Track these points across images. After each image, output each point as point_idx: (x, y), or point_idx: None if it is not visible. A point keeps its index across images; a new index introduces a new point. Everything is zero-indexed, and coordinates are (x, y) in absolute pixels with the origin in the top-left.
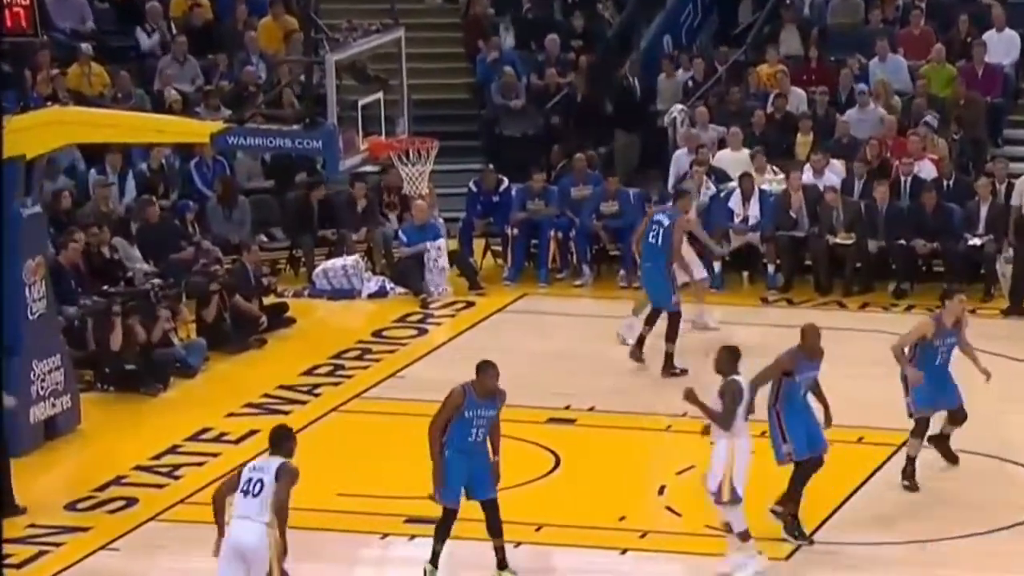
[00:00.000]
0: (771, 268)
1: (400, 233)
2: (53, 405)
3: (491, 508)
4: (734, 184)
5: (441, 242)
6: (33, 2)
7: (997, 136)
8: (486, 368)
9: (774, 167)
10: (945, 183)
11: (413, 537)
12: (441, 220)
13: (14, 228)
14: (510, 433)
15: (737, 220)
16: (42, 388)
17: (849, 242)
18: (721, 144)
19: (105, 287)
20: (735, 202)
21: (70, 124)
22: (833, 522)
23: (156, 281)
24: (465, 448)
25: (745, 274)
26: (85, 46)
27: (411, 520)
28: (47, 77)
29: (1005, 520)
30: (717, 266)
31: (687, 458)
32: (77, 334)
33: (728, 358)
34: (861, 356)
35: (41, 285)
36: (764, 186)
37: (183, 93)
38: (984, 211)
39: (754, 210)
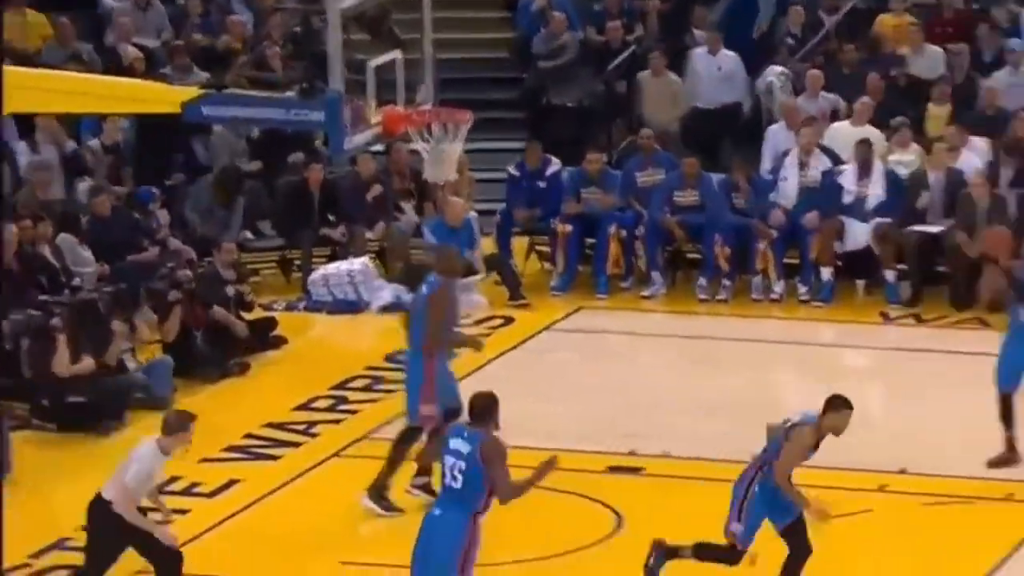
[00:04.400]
0: (891, 275)
1: (425, 230)
2: None
3: None
4: (846, 166)
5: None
6: None
7: None
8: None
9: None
10: None
11: None
12: (475, 214)
13: None
14: (557, 486)
15: (849, 200)
16: None
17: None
18: (833, 117)
19: (44, 296)
20: (848, 178)
21: None
22: None
23: (108, 289)
24: None
25: (861, 283)
26: None
27: None
28: None
29: None
30: (827, 272)
31: None
32: (7, 356)
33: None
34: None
35: None
36: (892, 166)
37: (145, 49)
38: None
39: (876, 188)
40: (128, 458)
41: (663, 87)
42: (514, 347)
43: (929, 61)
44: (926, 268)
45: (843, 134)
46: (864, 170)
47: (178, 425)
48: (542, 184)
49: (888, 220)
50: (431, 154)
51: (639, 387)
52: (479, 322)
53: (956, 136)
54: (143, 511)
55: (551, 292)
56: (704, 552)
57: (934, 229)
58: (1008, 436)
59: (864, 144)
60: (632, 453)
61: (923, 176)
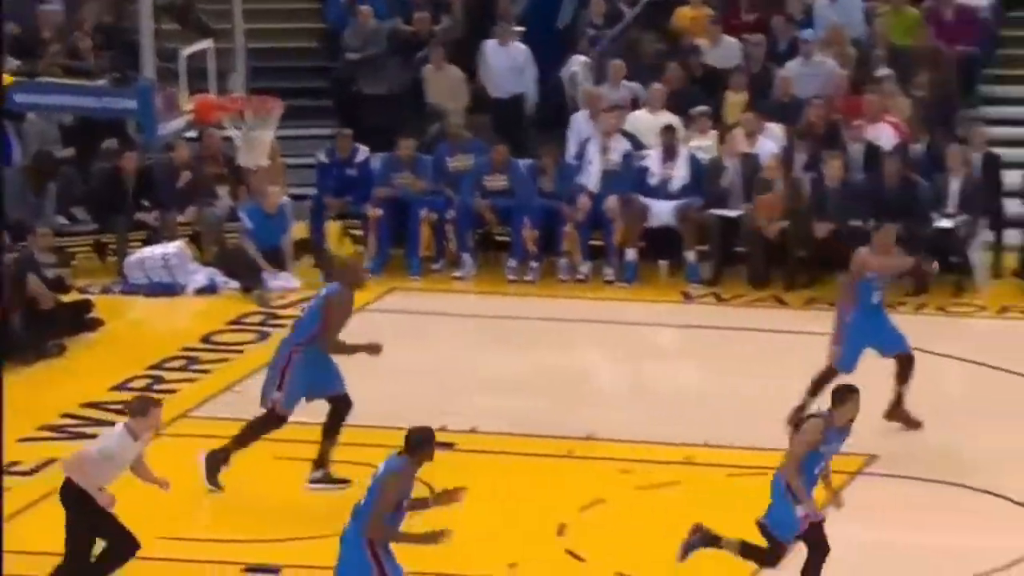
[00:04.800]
0: (692, 256)
1: (242, 215)
2: None
3: None
4: (650, 151)
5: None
6: None
7: (971, 94)
8: None
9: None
10: (908, 152)
11: None
12: (288, 199)
13: None
14: (370, 460)
15: (654, 182)
16: None
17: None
18: (634, 105)
19: None
20: (653, 161)
21: None
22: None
23: None
24: None
25: (663, 264)
26: None
27: (251, 569)
28: None
29: None
30: (631, 254)
31: (592, 491)
32: None
33: None
34: (807, 364)
35: None
36: (692, 152)
37: None
38: (956, 186)
39: (680, 171)
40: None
41: (444, 79)
42: None
43: (726, 51)
44: (726, 249)
45: (643, 121)
46: (669, 154)
47: (139, 408)
48: (352, 171)
49: (691, 202)
50: (244, 140)
51: (450, 365)
52: (294, 303)
53: (753, 122)
54: None
55: None
56: (748, 551)
57: (733, 212)
58: (805, 402)
59: (669, 129)
60: (443, 429)
61: (721, 161)
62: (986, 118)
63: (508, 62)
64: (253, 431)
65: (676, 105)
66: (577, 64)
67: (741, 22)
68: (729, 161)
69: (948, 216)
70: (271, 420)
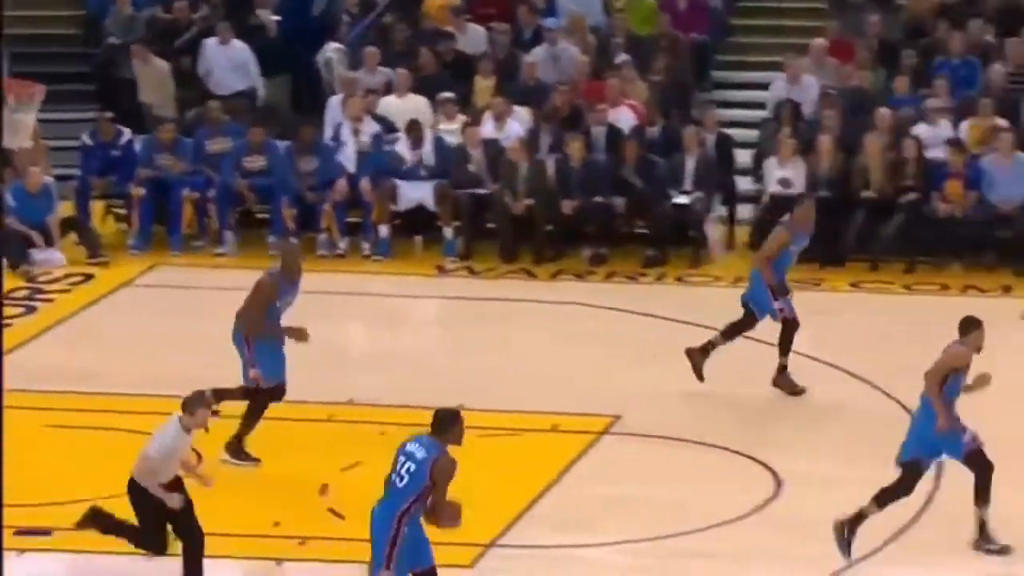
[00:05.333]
0: (448, 232)
1: (8, 195)
2: None
3: None
4: (399, 135)
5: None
6: None
7: (704, 79)
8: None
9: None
10: (647, 133)
11: (23, 552)
12: (52, 179)
13: None
14: (128, 426)
15: (405, 168)
16: None
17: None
18: (389, 89)
19: None
20: (402, 147)
21: None
22: (526, 521)
23: None
24: None
25: (418, 239)
26: None
27: (21, 532)
28: None
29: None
30: (384, 230)
31: (352, 453)
32: None
33: None
34: (554, 331)
35: None
36: (441, 135)
37: None
38: (691, 165)
39: (428, 157)
40: (152, 436)
41: (150, 73)
42: (94, 302)
43: (473, 38)
44: (477, 226)
45: (393, 105)
46: (416, 142)
47: (193, 404)
48: (116, 152)
49: (445, 182)
50: (6, 123)
51: (215, 338)
52: (58, 278)
53: (501, 106)
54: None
55: (129, 251)
56: (883, 498)
57: (483, 191)
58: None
59: (415, 123)
60: None
61: (465, 148)
62: (719, 101)
63: (228, 62)
64: (254, 412)
65: (429, 90)
66: (332, 50)
67: (486, 11)
68: (473, 149)
69: (685, 193)
70: (265, 395)
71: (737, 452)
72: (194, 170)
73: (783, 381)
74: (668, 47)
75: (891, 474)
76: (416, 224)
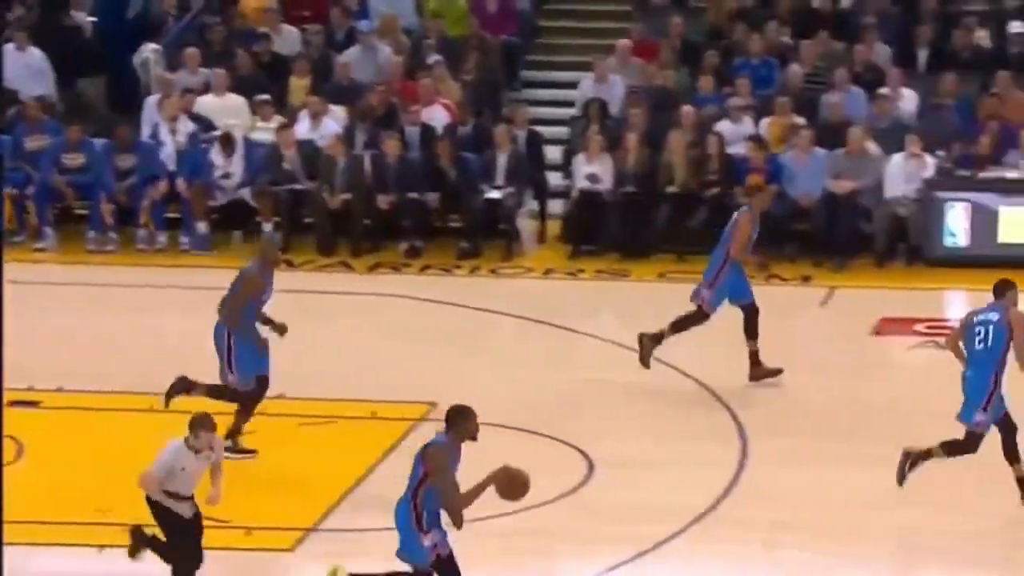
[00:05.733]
0: (268, 226)
1: None
2: None
3: None
4: (216, 134)
5: None
6: None
7: (514, 79)
8: None
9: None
10: (459, 131)
11: None
12: None
13: None
14: None
15: (218, 175)
16: None
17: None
18: (206, 89)
19: None
20: (215, 155)
21: None
22: (345, 506)
23: None
24: None
25: (237, 233)
26: None
27: None
28: None
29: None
30: (202, 226)
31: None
32: None
33: None
34: (372, 322)
35: None
36: (257, 135)
37: None
38: (503, 161)
39: (237, 166)
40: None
41: None
42: None
43: (288, 39)
44: (295, 220)
45: (211, 105)
46: (228, 149)
47: (197, 424)
48: None
49: (264, 180)
50: None
51: (34, 330)
52: None
53: (317, 105)
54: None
55: None
56: (951, 450)
57: (300, 186)
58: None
59: (228, 135)
60: (30, 388)
61: (279, 148)
62: (529, 100)
63: (25, 68)
64: (245, 411)
65: (246, 89)
66: (149, 51)
67: (300, 13)
68: (287, 150)
69: (497, 188)
70: (250, 395)
71: (549, 436)
72: (13, 167)
73: (759, 370)
74: (478, 48)
75: (702, 449)
76: (235, 219)
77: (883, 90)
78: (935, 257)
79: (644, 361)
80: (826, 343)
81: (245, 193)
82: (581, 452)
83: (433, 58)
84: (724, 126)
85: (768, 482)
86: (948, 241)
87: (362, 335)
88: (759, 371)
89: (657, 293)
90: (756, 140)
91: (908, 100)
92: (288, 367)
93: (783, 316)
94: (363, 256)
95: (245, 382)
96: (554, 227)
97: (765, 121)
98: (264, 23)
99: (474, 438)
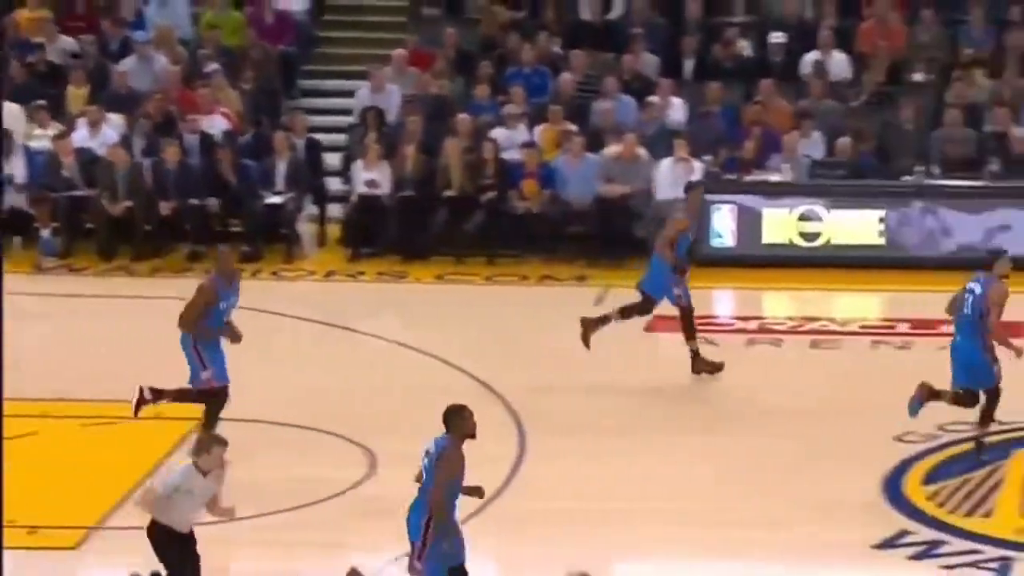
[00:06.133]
0: (46, 233)
1: None
2: None
3: None
4: None
5: None
6: None
7: (292, 87)
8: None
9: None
10: (239, 139)
11: None
12: None
13: None
14: None
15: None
16: None
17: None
18: None
19: None
20: None
21: None
22: (128, 505)
23: None
24: None
25: (17, 239)
26: None
27: None
28: None
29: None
30: None
31: None
32: None
33: None
34: (156, 325)
35: None
36: (33, 143)
37: None
38: (283, 167)
39: (19, 169)
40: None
41: None
42: None
43: (64, 49)
44: (77, 226)
45: None
46: (6, 153)
47: (202, 446)
48: None
49: (42, 186)
50: None
51: None
52: None
53: (95, 113)
54: None
55: None
56: (960, 399)
57: (81, 193)
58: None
59: (8, 135)
60: None
61: (57, 156)
62: (307, 108)
63: None
64: (211, 415)
65: (23, 98)
66: None
67: (75, 24)
68: (66, 158)
69: (277, 193)
70: (218, 396)
71: (332, 433)
72: None
73: (701, 364)
74: (256, 58)
75: (481, 445)
76: (15, 226)
77: (652, 98)
78: (703, 257)
79: (585, 340)
80: (601, 340)
81: (23, 200)
82: (365, 448)
83: (211, 67)
84: (499, 133)
85: (544, 476)
86: (715, 242)
87: (143, 338)
88: (701, 364)
89: (435, 294)
90: (530, 146)
91: (677, 108)
92: (71, 369)
93: (560, 315)
94: (144, 260)
95: (221, 378)
96: (334, 231)
97: (539, 128)
98: (39, 33)
99: (472, 436)
